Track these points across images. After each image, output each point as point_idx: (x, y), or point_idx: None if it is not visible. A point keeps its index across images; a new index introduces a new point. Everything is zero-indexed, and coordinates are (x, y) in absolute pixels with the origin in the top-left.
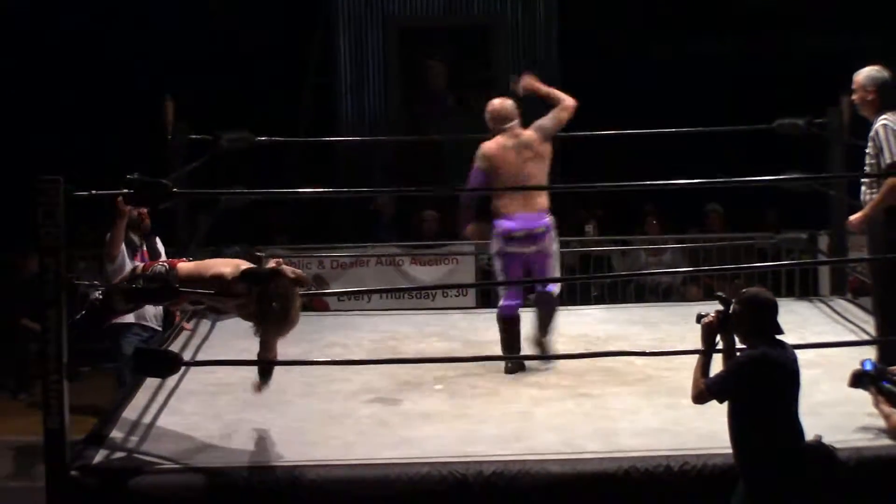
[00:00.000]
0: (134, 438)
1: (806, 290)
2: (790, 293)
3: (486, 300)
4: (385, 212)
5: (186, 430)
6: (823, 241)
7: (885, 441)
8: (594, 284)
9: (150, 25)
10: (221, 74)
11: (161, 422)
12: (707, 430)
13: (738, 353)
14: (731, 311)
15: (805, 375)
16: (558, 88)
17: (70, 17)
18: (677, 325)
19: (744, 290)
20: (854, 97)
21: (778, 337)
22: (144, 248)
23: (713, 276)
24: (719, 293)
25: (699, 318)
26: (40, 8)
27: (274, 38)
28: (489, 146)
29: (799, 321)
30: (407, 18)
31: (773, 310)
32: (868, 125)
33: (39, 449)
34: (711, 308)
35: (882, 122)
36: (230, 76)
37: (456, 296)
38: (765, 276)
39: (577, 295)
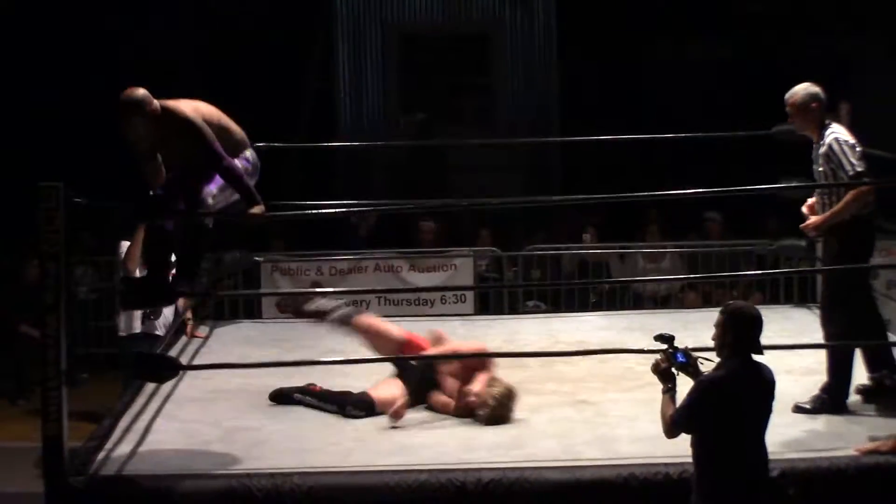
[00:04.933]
0: (132, 445)
1: (804, 296)
2: (788, 300)
3: (484, 307)
4: (361, 224)
5: (185, 437)
6: (822, 248)
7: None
8: (592, 291)
9: (151, 30)
10: (220, 79)
11: (159, 428)
12: None
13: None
14: (675, 345)
15: (804, 382)
16: (557, 94)
17: (71, 23)
18: (675, 332)
19: (730, 302)
20: (792, 118)
21: (755, 356)
22: None
23: (711, 283)
24: (658, 334)
25: (653, 368)
26: (40, 10)
27: (273, 44)
28: None
29: (796, 328)
30: (406, 24)
31: (756, 327)
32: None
33: (38, 455)
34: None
35: (832, 136)
36: (229, 81)
37: (454, 302)
38: (763, 283)
39: (576, 301)
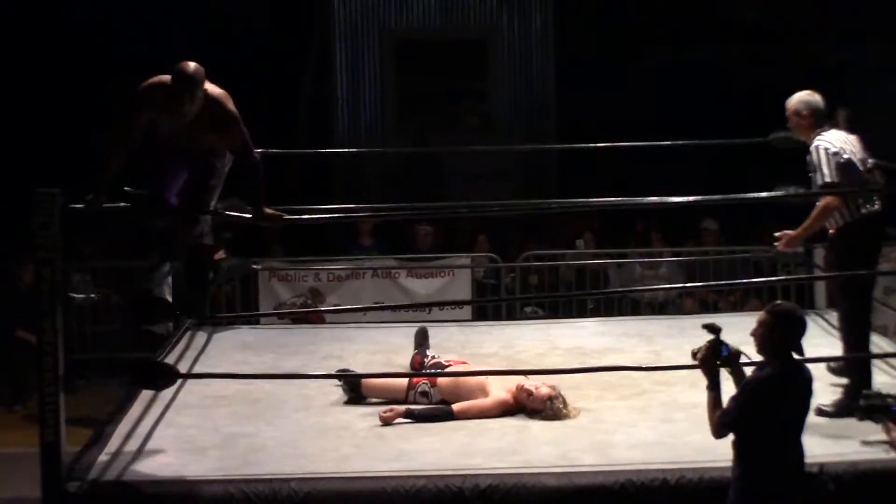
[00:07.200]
0: (130, 451)
1: (802, 303)
2: None
3: (482, 313)
4: (363, 229)
5: (182, 443)
6: (819, 255)
7: (882, 454)
8: (590, 297)
9: (148, 38)
10: (217, 84)
11: (157, 434)
12: (703, 444)
13: (746, 376)
14: (720, 338)
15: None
16: (554, 100)
17: (67, 25)
18: (673, 338)
19: (778, 303)
20: (790, 123)
21: (796, 356)
22: None
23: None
24: (705, 323)
25: (693, 354)
26: (39, 12)
27: (270, 50)
28: None
29: None
30: (403, 31)
31: (800, 328)
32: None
33: (35, 461)
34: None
35: (817, 142)
36: (226, 86)
37: (452, 308)
38: (760, 289)
39: (573, 307)
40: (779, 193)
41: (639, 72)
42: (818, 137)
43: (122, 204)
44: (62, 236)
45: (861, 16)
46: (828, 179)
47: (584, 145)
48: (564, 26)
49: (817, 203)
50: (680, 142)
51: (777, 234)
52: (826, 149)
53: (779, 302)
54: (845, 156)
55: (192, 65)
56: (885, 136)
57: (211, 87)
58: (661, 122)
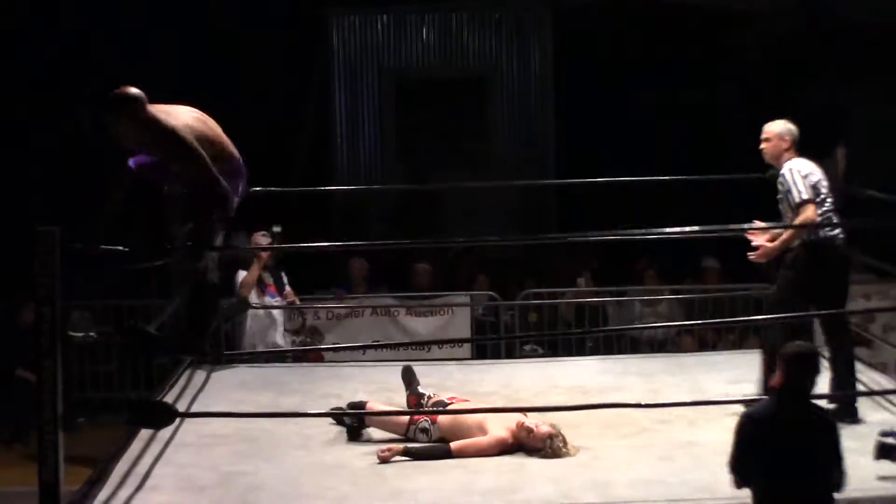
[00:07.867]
0: (128, 490)
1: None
2: None
3: (481, 352)
4: (357, 273)
5: (181, 482)
6: None
7: (884, 486)
8: (588, 335)
9: (149, 69)
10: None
11: (156, 473)
12: (702, 482)
13: None
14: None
15: None
16: (553, 138)
17: (68, 56)
18: (672, 376)
19: (794, 343)
20: (766, 146)
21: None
22: (271, 283)
23: (708, 327)
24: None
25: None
26: (37, 24)
27: (269, 88)
28: None
29: None
30: (402, 69)
31: (800, 366)
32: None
33: (35, 500)
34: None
35: (789, 165)
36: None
37: (451, 347)
38: (759, 328)
39: (573, 346)
40: (775, 224)
41: (637, 109)
42: (789, 162)
43: (119, 248)
44: (62, 275)
45: (861, 55)
46: (804, 196)
47: (583, 180)
48: (563, 64)
49: (796, 219)
50: (678, 177)
51: (754, 242)
52: (798, 170)
53: (796, 342)
54: (814, 178)
55: (129, 90)
56: (885, 171)
57: (165, 118)
58: (659, 159)
